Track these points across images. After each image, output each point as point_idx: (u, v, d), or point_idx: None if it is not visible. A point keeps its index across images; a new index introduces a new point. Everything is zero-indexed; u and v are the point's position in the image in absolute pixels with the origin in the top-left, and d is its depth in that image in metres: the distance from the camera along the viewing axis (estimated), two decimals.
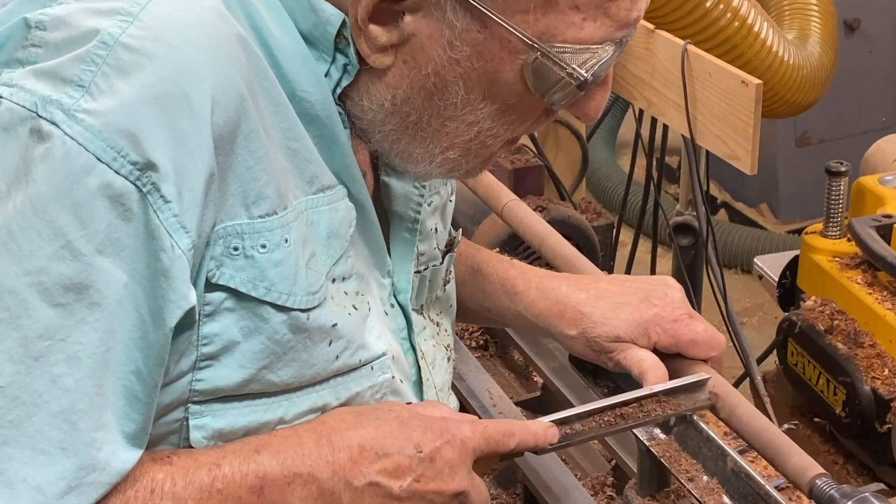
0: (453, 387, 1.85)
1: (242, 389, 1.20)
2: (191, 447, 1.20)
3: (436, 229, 1.44)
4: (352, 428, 1.21)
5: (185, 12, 1.12)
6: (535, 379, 1.99)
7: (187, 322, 1.13)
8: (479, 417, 1.72)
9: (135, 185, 1.08)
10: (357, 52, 1.22)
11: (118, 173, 1.08)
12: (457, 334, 2.03)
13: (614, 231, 2.97)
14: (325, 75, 1.23)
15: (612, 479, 1.73)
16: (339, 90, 1.24)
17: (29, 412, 1.07)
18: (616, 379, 1.52)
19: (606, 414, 1.34)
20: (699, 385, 1.40)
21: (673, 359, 1.46)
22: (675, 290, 1.49)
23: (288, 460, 1.18)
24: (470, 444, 1.23)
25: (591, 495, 1.66)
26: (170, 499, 1.13)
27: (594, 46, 1.19)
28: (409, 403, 1.34)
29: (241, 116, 1.14)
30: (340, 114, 1.25)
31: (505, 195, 1.92)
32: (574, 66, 1.19)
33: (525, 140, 2.71)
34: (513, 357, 2.05)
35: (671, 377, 1.42)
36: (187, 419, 1.19)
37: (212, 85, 1.11)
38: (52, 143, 1.07)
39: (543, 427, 1.30)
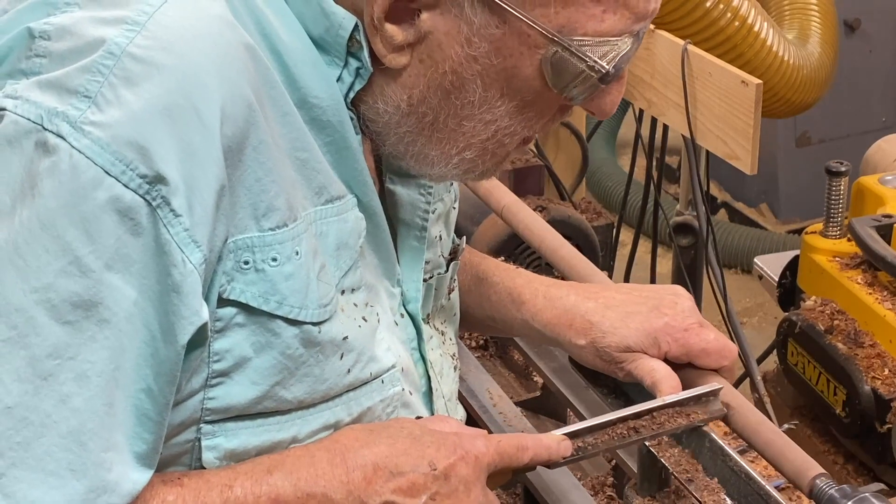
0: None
1: (255, 407, 1.18)
2: (203, 468, 1.17)
3: (440, 237, 1.43)
4: (365, 446, 1.19)
5: (193, 21, 1.10)
6: (535, 379, 1.99)
7: (199, 338, 1.11)
8: (481, 418, 1.73)
9: (144, 198, 1.06)
10: (370, 55, 1.20)
11: (127, 187, 1.05)
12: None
13: (614, 231, 2.97)
14: (338, 80, 1.21)
15: (612, 479, 1.73)
16: (351, 94, 1.22)
17: (37, 433, 1.05)
18: (616, 380, 1.52)
19: (619, 426, 1.33)
20: (711, 395, 1.39)
21: (684, 368, 1.45)
22: (685, 300, 1.48)
23: (301, 481, 1.15)
24: (484, 459, 1.22)
25: (591, 495, 1.66)
26: None
27: (614, 39, 1.18)
28: (418, 417, 1.33)
29: (251, 127, 1.11)
30: (352, 119, 1.23)
31: (505, 195, 1.91)
32: (595, 58, 1.18)
33: None
34: (513, 357, 2.04)
35: (683, 387, 1.40)
36: (199, 440, 1.17)
37: (221, 96, 1.09)
38: (59, 156, 1.04)
39: (556, 440, 1.28)
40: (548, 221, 1.90)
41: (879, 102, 4.76)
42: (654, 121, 3.01)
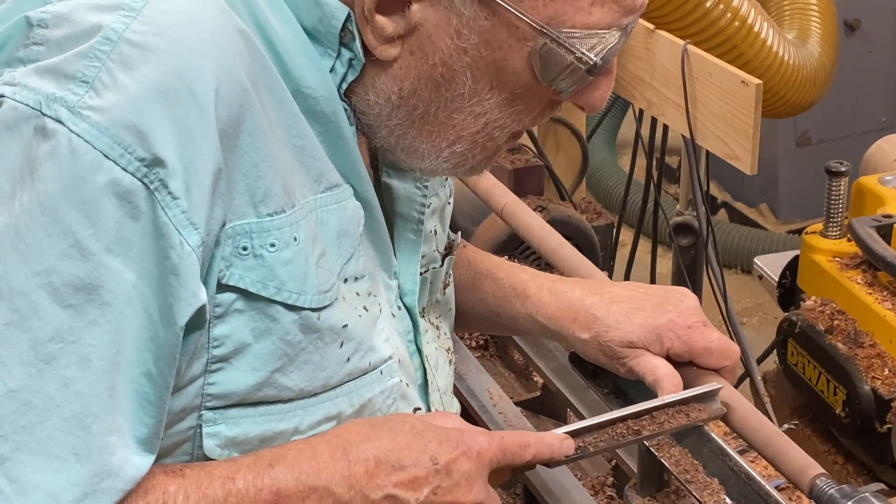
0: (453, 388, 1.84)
1: (256, 394, 1.18)
2: (205, 457, 1.17)
3: (435, 231, 1.43)
4: (367, 440, 1.18)
5: (187, 6, 1.11)
6: (535, 379, 1.99)
7: (198, 321, 1.11)
8: (481, 418, 1.73)
9: (142, 182, 1.06)
10: (362, 46, 1.20)
11: (125, 170, 1.06)
12: (456, 334, 2.03)
13: (614, 231, 2.97)
14: (330, 71, 1.21)
15: (612, 479, 1.73)
16: (344, 85, 1.23)
17: (41, 417, 1.05)
18: (616, 379, 1.51)
19: (619, 426, 1.32)
20: (711, 395, 1.38)
21: (684, 367, 1.44)
22: (690, 299, 1.47)
23: (303, 474, 1.15)
24: (486, 455, 1.21)
25: (591, 495, 1.66)
26: None
27: (602, 31, 1.19)
28: (416, 410, 1.33)
29: (245, 112, 1.12)
30: (346, 110, 1.23)
31: (505, 195, 1.92)
32: (583, 50, 1.19)
33: (525, 140, 2.71)
34: (513, 357, 2.04)
35: (683, 387, 1.39)
36: (200, 427, 1.17)
37: (216, 78, 1.09)
38: (58, 140, 1.05)
39: (559, 439, 1.27)
40: (548, 221, 1.90)
41: (879, 102, 4.76)
42: (654, 121, 3.01)
